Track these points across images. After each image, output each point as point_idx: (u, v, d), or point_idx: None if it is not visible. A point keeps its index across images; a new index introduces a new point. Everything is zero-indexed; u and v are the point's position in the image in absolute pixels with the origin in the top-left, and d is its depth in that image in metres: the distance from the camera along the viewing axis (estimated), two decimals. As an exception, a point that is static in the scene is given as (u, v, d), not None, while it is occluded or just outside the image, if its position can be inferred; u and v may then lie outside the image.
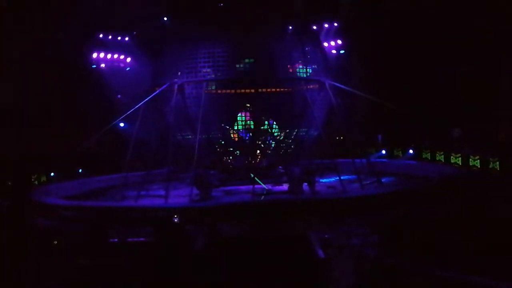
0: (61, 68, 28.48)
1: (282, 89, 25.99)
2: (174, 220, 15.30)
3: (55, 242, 8.11)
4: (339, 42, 29.91)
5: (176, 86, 24.32)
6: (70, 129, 27.43)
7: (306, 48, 26.10)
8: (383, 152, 31.87)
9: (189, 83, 24.80)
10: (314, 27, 28.72)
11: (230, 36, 24.58)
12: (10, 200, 20.57)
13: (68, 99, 29.13)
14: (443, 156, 28.27)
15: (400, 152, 31.58)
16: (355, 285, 6.05)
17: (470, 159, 26.20)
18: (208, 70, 24.47)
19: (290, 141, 26.67)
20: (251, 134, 25.63)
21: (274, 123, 26.31)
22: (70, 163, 27.64)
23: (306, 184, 22.78)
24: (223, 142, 25.85)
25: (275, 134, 26.45)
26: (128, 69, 30.09)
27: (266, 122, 26.17)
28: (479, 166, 25.64)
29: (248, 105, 25.58)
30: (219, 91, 25.09)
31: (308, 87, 25.55)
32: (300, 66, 25.67)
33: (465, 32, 27.82)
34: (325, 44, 29.39)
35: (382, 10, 28.94)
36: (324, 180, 25.74)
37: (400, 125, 29.85)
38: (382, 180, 23.71)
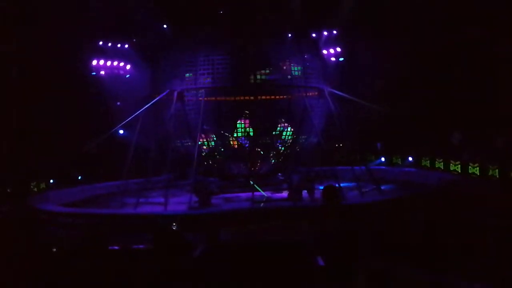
0: (61, 74, 28.51)
1: (281, 96, 26.05)
2: (173, 228, 15.29)
3: (54, 249, 8.09)
4: (338, 49, 30.04)
5: (175, 93, 24.37)
6: (70, 136, 27.42)
7: (305, 56, 26.18)
8: (383, 159, 31.89)
9: (189, 90, 24.87)
10: (313, 35, 28.85)
11: (229, 43, 24.65)
12: (9, 206, 20.56)
13: (67, 106, 29.13)
14: (442, 163, 28.32)
15: (400, 159, 31.62)
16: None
17: (470, 167, 26.24)
18: (208, 77, 24.52)
19: (289, 148, 26.67)
20: (250, 141, 25.64)
21: (274, 130, 26.30)
22: (70, 170, 27.65)
23: (305, 191, 22.77)
24: (222, 149, 25.86)
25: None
26: (127, 76, 30.17)
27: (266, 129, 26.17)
28: (478, 174, 25.68)
29: (248, 112, 25.61)
30: (218, 98, 25.14)
31: (307, 94, 25.61)
32: (299, 73, 25.72)
33: (465, 36, 27.89)
34: (324, 52, 29.52)
35: (381, 14, 29.01)
36: (323, 187, 25.65)
37: (400, 132, 29.87)
38: (382, 188, 23.69)
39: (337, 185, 23.71)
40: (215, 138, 25.55)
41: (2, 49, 25.55)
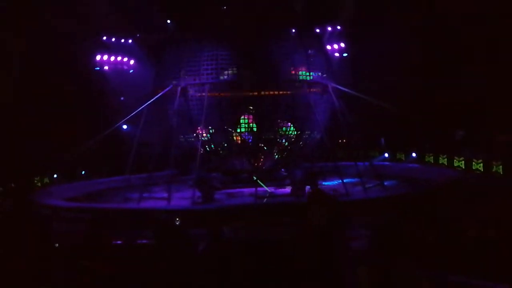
0: (65, 70, 28.56)
1: (285, 92, 25.97)
2: (176, 223, 15.30)
3: (57, 244, 8.10)
4: (342, 45, 29.98)
5: (179, 89, 24.33)
6: (73, 131, 27.49)
7: (309, 51, 26.05)
8: (386, 155, 31.85)
9: (192, 86, 24.79)
10: (317, 30, 28.76)
11: (233, 39, 24.58)
12: (12, 201, 20.64)
13: (71, 101, 29.21)
14: (446, 159, 28.28)
15: (403, 155, 31.57)
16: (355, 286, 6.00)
17: (473, 163, 26.20)
18: (211, 72, 24.45)
19: (292, 144, 26.63)
20: (253, 136, 25.61)
21: (277, 125, 26.25)
22: (73, 165, 27.71)
23: (308, 187, 22.74)
24: (225, 145, 25.83)
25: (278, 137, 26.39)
26: (131, 71, 30.22)
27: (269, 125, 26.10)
28: (482, 170, 25.64)
29: (251, 107, 25.58)
30: (222, 94, 25.07)
31: (311, 90, 25.53)
32: (303, 69, 25.62)
33: (466, 34, 27.83)
34: (328, 47, 29.46)
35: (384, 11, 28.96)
36: (326, 183, 25.68)
37: (403, 128, 29.84)
38: (385, 183, 23.64)
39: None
40: (211, 131, 25.37)
41: (6, 45, 25.60)
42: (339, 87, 25.46)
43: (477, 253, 7.29)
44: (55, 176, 27.23)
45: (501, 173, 24.66)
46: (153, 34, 28.58)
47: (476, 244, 7.55)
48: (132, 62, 30.11)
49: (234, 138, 25.83)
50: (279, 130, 25.98)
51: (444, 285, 5.56)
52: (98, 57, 29.14)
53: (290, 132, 26.12)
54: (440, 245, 7.41)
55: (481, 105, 27.32)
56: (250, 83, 24.64)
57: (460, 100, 28.48)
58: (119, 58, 29.77)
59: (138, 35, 29.29)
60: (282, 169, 27.04)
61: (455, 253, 7.17)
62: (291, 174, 24.30)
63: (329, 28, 29.02)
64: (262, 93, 25.11)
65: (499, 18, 26.00)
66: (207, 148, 25.66)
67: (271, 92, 25.61)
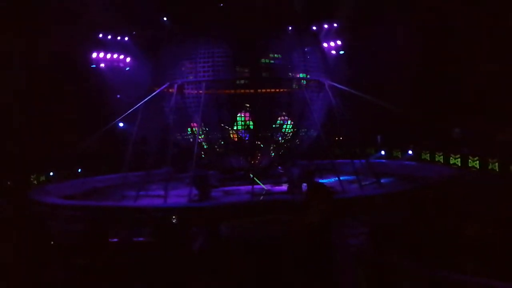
0: (60, 67, 28.48)
1: (281, 90, 25.98)
2: (173, 220, 15.28)
3: (52, 242, 8.08)
4: (339, 42, 29.96)
5: (175, 86, 24.31)
6: (69, 129, 27.42)
7: (306, 49, 26.06)
8: (382, 152, 31.88)
9: (189, 83, 24.79)
10: (314, 28, 28.74)
11: (230, 36, 24.55)
12: (9, 199, 20.58)
13: (67, 99, 29.13)
14: (442, 157, 28.32)
15: (400, 152, 31.61)
16: (354, 285, 6.03)
17: (469, 160, 26.25)
18: (208, 70, 24.43)
19: (289, 141, 26.65)
20: (250, 134, 25.61)
21: (274, 123, 26.26)
22: (69, 162, 27.66)
23: (305, 184, 22.71)
24: (222, 142, 25.83)
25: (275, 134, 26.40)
26: (127, 69, 30.13)
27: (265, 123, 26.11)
28: (478, 167, 25.69)
29: (248, 105, 25.57)
30: (218, 91, 25.06)
31: (308, 87, 25.54)
32: (300, 67, 25.63)
33: (464, 33, 27.85)
34: (325, 45, 29.45)
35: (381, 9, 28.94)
36: (323, 181, 25.66)
37: (400, 125, 29.85)
38: (381, 181, 23.68)
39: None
40: (206, 129, 25.34)
41: (4, 44, 25.53)
42: (336, 84, 25.49)
43: (475, 251, 7.30)
44: (51, 174, 27.16)
45: (497, 170, 24.72)
46: (150, 31, 28.49)
47: (474, 242, 7.56)
48: (128, 59, 30.02)
49: (231, 135, 25.83)
50: (276, 127, 25.96)
51: (443, 284, 5.57)
52: (94, 55, 29.05)
53: (287, 129, 26.14)
54: (437, 243, 7.42)
55: (481, 104, 27.33)
56: (247, 80, 24.71)
57: (459, 99, 28.51)
58: (115, 56, 29.68)
59: (134, 32, 29.19)
60: (279, 167, 27.06)
61: (453, 251, 7.18)
62: (288, 172, 24.30)
63: (326, 26, 28.97)
64: (259, 90, 25.12)
65: (500, 17, 26.04)
66: (204, 146, 25.65)
67: (268, 90, 25.62)
